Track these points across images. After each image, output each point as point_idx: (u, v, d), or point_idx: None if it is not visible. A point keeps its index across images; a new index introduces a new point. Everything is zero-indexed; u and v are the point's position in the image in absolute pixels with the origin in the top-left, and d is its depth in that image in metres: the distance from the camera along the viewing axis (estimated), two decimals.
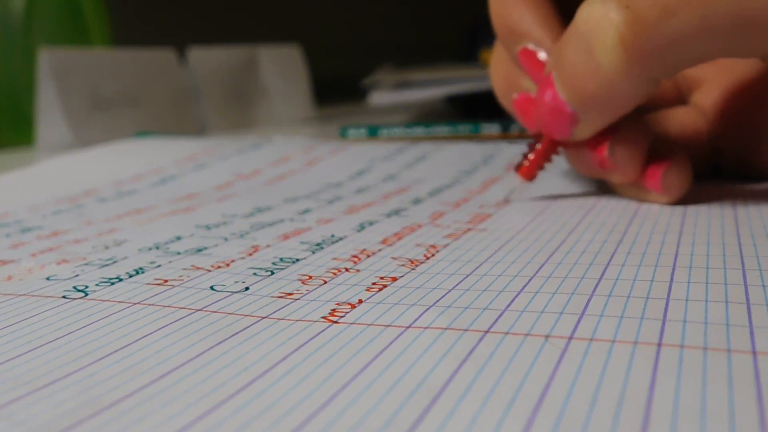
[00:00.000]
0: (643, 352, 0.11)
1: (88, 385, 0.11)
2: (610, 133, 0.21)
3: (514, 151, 0.33)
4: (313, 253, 0.19)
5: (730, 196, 0.23)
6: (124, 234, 0.22)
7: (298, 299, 0.15)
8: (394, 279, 0.16)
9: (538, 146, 0.23)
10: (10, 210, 0.27)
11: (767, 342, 0.11)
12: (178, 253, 0.19)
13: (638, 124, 0.22)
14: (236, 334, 0.13)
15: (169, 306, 0.15)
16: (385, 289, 0.15)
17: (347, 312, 0.14)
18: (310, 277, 0.16)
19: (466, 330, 0.12)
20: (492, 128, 0.39)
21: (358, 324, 0.13)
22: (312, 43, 0.76)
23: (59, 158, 0.38)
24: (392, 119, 0.58)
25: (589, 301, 0.14)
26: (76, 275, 0.17)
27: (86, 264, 0.18)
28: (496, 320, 0.13)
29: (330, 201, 0.26)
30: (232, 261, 0.18)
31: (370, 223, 0.22)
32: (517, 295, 0.14)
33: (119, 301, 0.15)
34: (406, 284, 0.15)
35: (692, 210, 0.21)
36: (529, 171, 0.23)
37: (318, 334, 0.13)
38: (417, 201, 0.25)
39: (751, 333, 0.12)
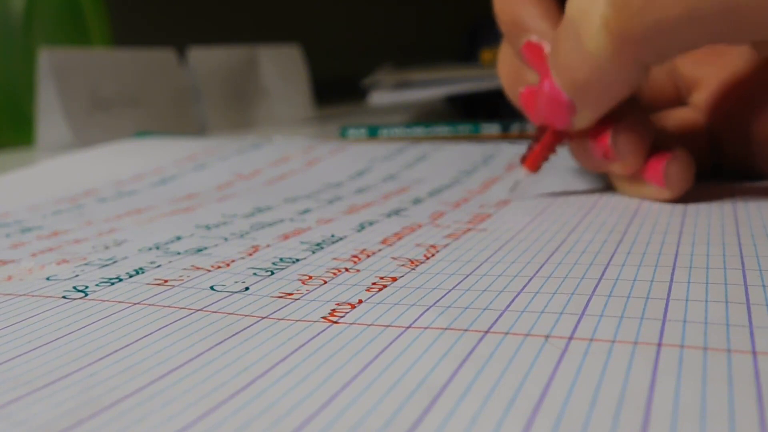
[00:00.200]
0: (643, 352, 0.11)
1: (88, 385, 0.11)
2: (612, 122, 0.22)
3: (514, 151, 0.33)
4: (313, 253, 0.19)
5: (730, 195, 0.23)
6: (124, 234, 0.22)
7: (298, 299, 0.15)
8: (394, 279, 0.16)
9: (542, 138, 0.23)
10: (10, 210, 0.27)
11: (767, 342, 0.11)
12: (178, 253, 0.19)
13: (640, 115, 0.22)
14: (236, 334, 0.13)
15: (169, 306, 0.15)
16: (385, 289, 0.15)
17: (347, 312, 0.14)
18: (310, 277, 0.16)
19: (466, 330, 0.12)
20: (492, 128, 0.39)
21: (358, 324, 0.13)
22: (312, 43, 0.76)
23: (59, 158, 0.38)
24: (392, 119, 0.58)
25: (589, 301, 0.14)
26: (76, 275, 0.17)
27: (86, 264, 0.18)
28: (496, 320, 0.13)
29: (330, 201, 0.26)
30: (232, 261, 0.18)
31: (370, 223, 0.22)
32: (517, 296, 0.14)
33: (119, 301, 0.15)
34: (406, 284, 0.15)
35: (692, 210, 0.21)
36: (534, 162, 0.24)
37: (318, 334, 0.13)
38: (417, 201, 0.25)
39: (751, 333, 0.12)
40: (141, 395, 0.11)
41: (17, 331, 0.14)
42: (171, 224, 0.23)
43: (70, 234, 0.22)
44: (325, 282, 0.16)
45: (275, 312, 0.14)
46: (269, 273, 0.17)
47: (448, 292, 0.15)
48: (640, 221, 0.20)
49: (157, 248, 0.20)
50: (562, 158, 0.28)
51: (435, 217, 0.22)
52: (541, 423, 0.09)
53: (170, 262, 0.18)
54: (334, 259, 0.18)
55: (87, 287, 0.16)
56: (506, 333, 0.12)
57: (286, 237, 0.21)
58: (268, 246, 0.20)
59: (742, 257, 0.16)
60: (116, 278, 0.17)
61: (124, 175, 0.34)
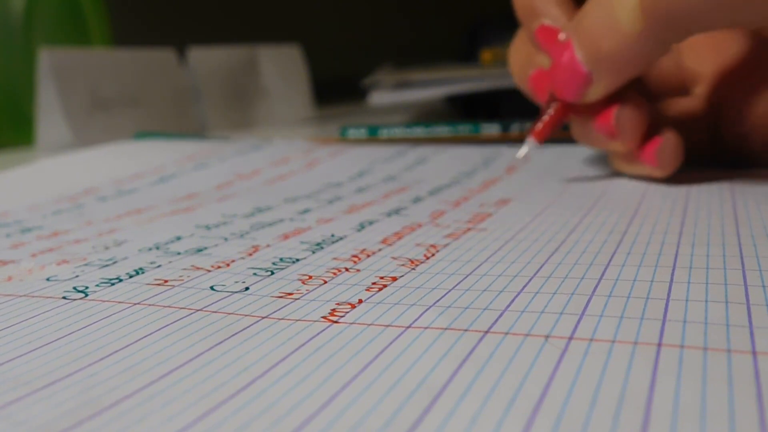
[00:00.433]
0: (643, 352, 0.11)
1: (89, 385, 0.11)
2: (616, 100, 0.24)
3: (514, 154, 0.33)
4: (313, 252, 0.19)
5: (730, 195, 0.23)
6: (124, 234, 0.22)
7: (298, 299, 0.15)
8: (394, 279, 0.16)
9: (550, 112, 0.25)
10: (10, 209, 0.27)
11: (767, 342, 0.11)
12: (178, 253, 0.19)
13: (641, 97, 0.24)
14: (236, 334, 0.13)
15: (169, 306, 0.15)
16: (385, 289, 0.15)
17: (347, 312, 0.14)
18: (310, 277, 0.16)
19: (466, 330, 0.12)
20: (492, 128, 0.39)
21: (358, 324, 0.13)
22: (312, 43, 0.76)
23: (59, 158, 0.38)
24: (392, 119, 0.58)
25: (589, 301, 0.14)
26: (76, 276, 0.17)
27: (86, 264, 0.18)
28: (496, 320, 0.13)
29: (330, 201, 0.26)
30: (232, 261, 0.18)
31: (370, 223, 0.22)
32: (517, 296, 0.14)
33: (119, 302, 0.15)
34: (406, 284, 0.15)
35: (692, 210, 0.21)
36: (541, 133, 0.25)
37: (318, 334, 0.13)
38: (417, 200, 0.25)
39: (751, 333, 0.12)
40: (141, 395, 0.11)
41: (17, 332, 0.14)
42: (171, 224, 0.23)
43: (70, 234, 0.22)
44: (325, 282, 0.16)
45: (275, 312, 0.14)
46: (269, 273, 0.17)
47: (448, 292, 0.15)
48: (640, 221, 0.20)
49: (157, 248, 0.20)
50: (562, 158, 0.28)
51: (435, 216, 0.22)
52: (541, 423, 0.09)
53: (170, 262, 0.18)
54: (334, 258, 0.18)
55: (87, 288, 0.16)
56: (506, 333, 0.12)
57: (286, 237, 0.21)
58: (268, 246, 0.20)
59: (742, 257, 0.16)
60: (116, 278, 0.17)
61: (124, 174, 0.34)
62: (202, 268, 0.17)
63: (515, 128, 0.39)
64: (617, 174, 0.27)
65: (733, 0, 0.20)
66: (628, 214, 0.21)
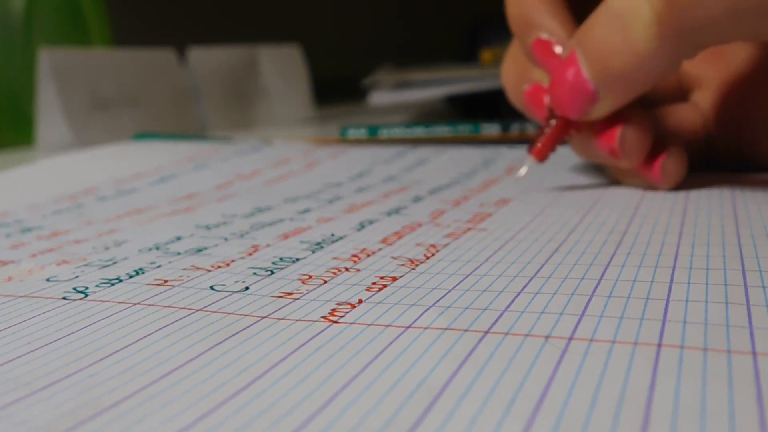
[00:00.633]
0: (643, 352, 0.11)
1: (89, 386, 0.11)
2: (620, 120, 0.23)
3: (514, 155, 0.33)
4: (313, 252, 0.19)
5: (730, 195, 0.23)
6: (124, 234, 0.22)
7: (298, 299, 0.15)
8: (394, 279, 0.16)
9: (548, 129, 0.24)
10: (10, 209, 0.27)
11: (767, 343, 0.11)
12: (178, 254, 0.19)
13: (645, 114, 0.23)
14: (236, 334, 0.13)
15: (169, 306, 0.15)
16: (385, 289, 0.15)
17: (347, 312, 0.14)
18: (310, 277, 0.16)
19: (466, 330, 0.12)
20: (492, 128, 0.39)
21: (358, 324, 0.13)
22: (312, 43, 0.76)
23: (59, 158, 0.38)
24: (392, 119, 0.58)
25: (589, 301, 0.14)
26: (76, 276, 0.17)
27: (86, 265, 0.18)
28: (496, 321, 0.13)
29: (330, 200, 0.26)
30: (232, 261, 0.18)
31: (370, 222, 0.22)
32: (517, 296, 0.14)
33: (119, 302, 0.15)
34: (406, 284, 0.15)
35: (692, 210, 0.21)
36: (541, 152, 0.24)
37: (318, 334, 0.13)
38: (417, 199, 0.25)
39: (751, 334, 0.12)
40: (141, 396, 0.11)
41: (17, 332, 0.14)
42: (171, 224, 0.23)
43: (70, 234, 0.22)
44: (325, 282, 0.16)
45: (275, 312, 0.14)
46: (269, 273, 0.17)
47: (448, 292, 0.15)
48: (640, 221, 0.20)
49: (157, 248, 0.20)
50: (562, 158, 0.28)
51: (435, 215, 0.22)
52: (541, 423, 0.09)
53: (170, 262, 0.18)
54: (334, 258, 0.18)
55: (87, 288, 0.16)
56: (506, 333, 0.12)
57: (286, 236, 0.21)
58: (268, 246, 0.20)
59: (742, 258, 0.16)
60: (116, 279, 0.17)
61: (124, 174, 0.34)
62: (202, 268, 0.17)
63: (515, 128, 0.39)
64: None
65: (755, 12, 0.19)
66: (628, 214, 0.21)
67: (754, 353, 0.11)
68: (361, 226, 0.21)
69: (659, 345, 0.11)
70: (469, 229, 0.21)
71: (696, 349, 0.11)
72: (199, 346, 0.12)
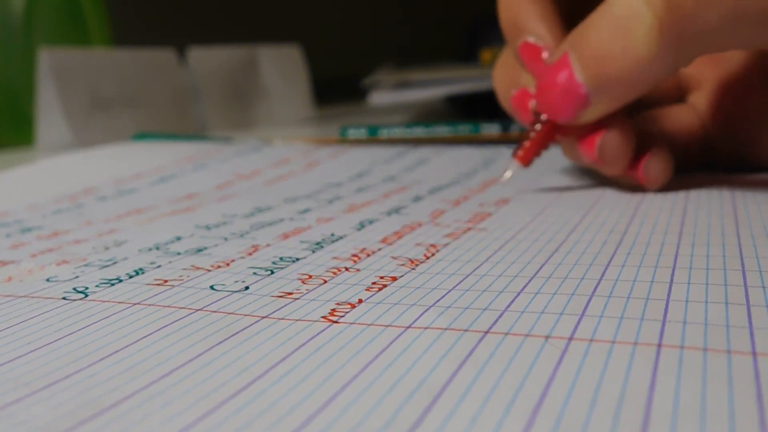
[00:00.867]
0: (643, 352, 0.11)
1: (89, 386, 0.11)
2: (600, 128, 0.23)
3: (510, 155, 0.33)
4: (313, 252, 0.19)
5: (730, 195, 0.23)
6: (124, 234, 0.22)
7: (298, 299, 0.15)
8: (394, 279, 0.16)
9: (533, 134, 0.24)
10: (10, 209, 0.27)
11: (767, 343, 0.11)
12: (178, 254, 0.19)
13: (626, 121, 0.23)
14: (236, 334, 0.13)
15: (169, 306, 0.15)
16: (385, 289, 0.15)
17: (347, 312, 0.14)
18: (310, 277, 0.16)
19: (466, 330, 0.12)
20: (492, 128, 0.39)
21: (358, 324, 0.13)
22: (312, 43, 0.76)
23: (59, 158, 0.38)
24: (392, 119, 0.58)
25: (589, 301, 0.14)
26: (76, 276, 0.17)
27: (86, 265, 0.18)
28: (496, 321, 0.13)
29: (330, 200, 0.26)
30: (232, 261, 0.18)
31: (370, 222, 0.22)
32: (517, 296, 0.14)
33: (119, 302, 0.15)
34: (406, 284, 0.15)
35: (692, 210, 0.21)
36: (526, 156, 0.24)
37: (318, 333, 0.13)
38: (417, 199, 0.25)
39: (751, 334, 0.12)
40: (141, 396, 0.11)
41: (17, 333, 0.14)
42: (171, 224, 0.23)
43: (70, 234, 0.22)
44: (325, 281, 0.16)
45: (275, 312, 0.14)
46: (269, 272, 0.17)
47: (448, 292, 0.15)
48: (640, 221, 0.20)
49: (157, 248, 0.20)
50: (562, 157, 0.28)
51: (435, 215, 0.22)
52: (541, 423, 0.09)
53: (170, 262, 0.18)
54: (334, 258, 0.18)
55: (87, 288, 0.16)
56: (506, 333, 0.12)
57: (286, 236, 0.21)
58: (268, 245, 0.20)
59: (742, 258, 0.16)
60: (116, 279, 0.17)
61: (124, 174, 0.34)
62: (202, 268, 0.17)
63: (515, 128, 0.39)
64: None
65: (756, 19, 0.19)
66: (628, 214, 0.21)
67: (754, 353, 0.11)
68: (361, 226, 0.21)
69: (659, 345, 0.11)
70: (469, 229, 0.21)
71: (696, 349, 0.11)
72: (199, 346, 0.12)
